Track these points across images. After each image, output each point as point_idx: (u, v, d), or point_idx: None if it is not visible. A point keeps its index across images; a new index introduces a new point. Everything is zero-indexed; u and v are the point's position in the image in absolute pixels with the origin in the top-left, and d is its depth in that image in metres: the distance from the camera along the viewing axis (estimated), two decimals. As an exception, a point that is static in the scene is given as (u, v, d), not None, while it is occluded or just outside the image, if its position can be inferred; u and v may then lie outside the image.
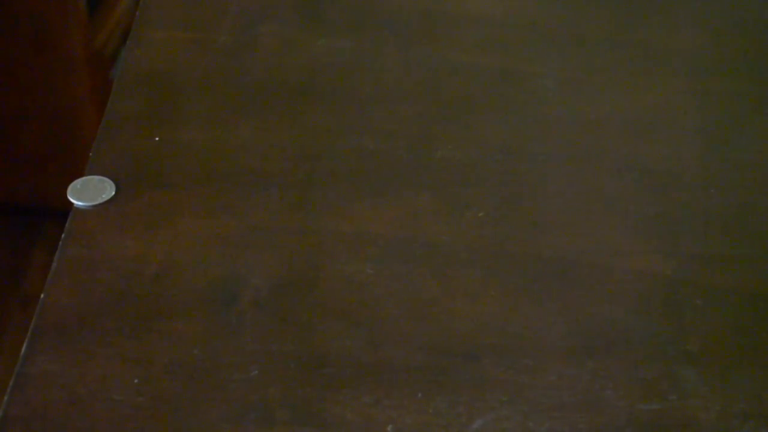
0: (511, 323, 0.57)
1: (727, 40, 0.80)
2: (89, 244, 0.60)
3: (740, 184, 0.67)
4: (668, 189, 0.66)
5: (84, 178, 0.63)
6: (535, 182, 0.66)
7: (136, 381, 0.53)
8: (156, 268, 0.58)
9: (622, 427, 0.53)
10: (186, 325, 0.56)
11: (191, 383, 0.53)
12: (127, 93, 0.70)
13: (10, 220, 1.62)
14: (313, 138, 0.68)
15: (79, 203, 0.61)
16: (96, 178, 0.63)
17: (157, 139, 0.66)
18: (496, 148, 0.68)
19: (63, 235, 0.60)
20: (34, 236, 1.59)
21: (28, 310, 1.49)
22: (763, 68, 0.77)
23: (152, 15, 0.77)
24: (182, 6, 0.78)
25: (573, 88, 0.74)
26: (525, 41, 0.78)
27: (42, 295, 0.57)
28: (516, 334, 0.57)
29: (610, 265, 0.61)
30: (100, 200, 0.62)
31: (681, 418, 0.53)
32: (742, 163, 0.68)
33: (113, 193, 0.62)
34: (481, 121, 0.70)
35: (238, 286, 0.58)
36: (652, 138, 0.70)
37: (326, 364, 0.54)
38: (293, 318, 0.57)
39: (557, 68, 0.75)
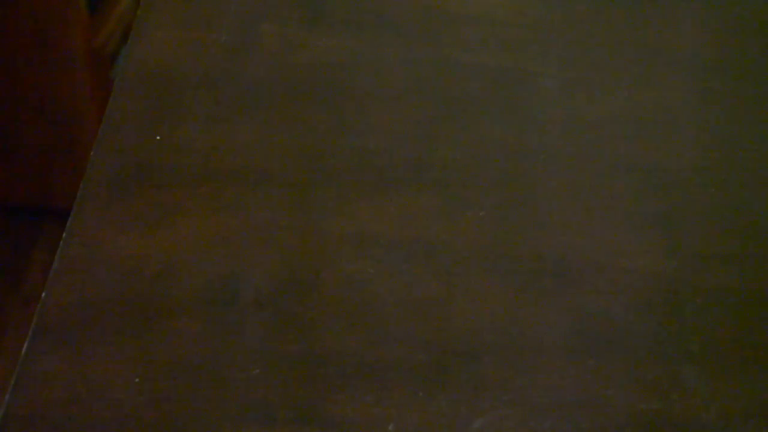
0: (511, 322, 0.57)
1: (727, 40, 0.80)
2: (90, 244, 0.60)
3: (740, 184, 0.67)
4: (668, 189, 0.66)
5: None
6: (535, 182, 0.66)
7: (136, 380, 0.53)
8: (157, 267, 0.58)
9: (623, 427, 0.53)
10: (187, 325, 0.56)
11: (192, 382, 0.53)
12: (128, 92, 0.70)
13: (10, 220, 1.62)
14: (314, 137, 0.68)
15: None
16: None
17: (158, 138, 0.66)
18: (496, 148, 0.68)
19: (64, 235, 0.60)
20: (35, 236, 1.59)
21: (29, 310, 1.49)
22: (763, 68, 0.77)
23: (153, 14, 0.77)
24: (183, 5, 0.78)
25: (573, 88, 0.74)
26: (526, 41, 0.78)
27: (43, 295, 0.57)
28: (517, 333, 0.57)
29: (610, 265, 0.61)
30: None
31: (682, 418, 0.53)
32: (742, 163, 0.68)
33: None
34: (482, 121, 0.70)
35: (239, 285, 0.58)
36: (652, 138, 0.70)
37: (327, 364, 0.54)
38: (294, 317, 0.57)
39: (557, 68, 0.75)
